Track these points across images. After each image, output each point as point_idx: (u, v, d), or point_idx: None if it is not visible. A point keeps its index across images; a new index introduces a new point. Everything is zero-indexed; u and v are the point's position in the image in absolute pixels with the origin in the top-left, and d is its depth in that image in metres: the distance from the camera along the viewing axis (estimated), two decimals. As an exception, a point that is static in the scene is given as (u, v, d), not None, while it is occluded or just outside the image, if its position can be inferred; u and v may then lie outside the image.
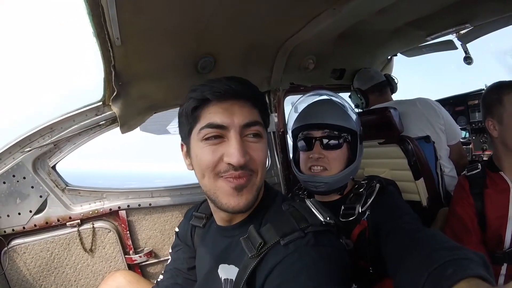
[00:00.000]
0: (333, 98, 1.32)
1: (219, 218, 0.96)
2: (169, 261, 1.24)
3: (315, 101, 1.34)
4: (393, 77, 2.45)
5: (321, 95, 1.37)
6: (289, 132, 1.41)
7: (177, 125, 0.95)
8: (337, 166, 1.25)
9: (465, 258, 0.67)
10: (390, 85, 2.38)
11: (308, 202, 0.88)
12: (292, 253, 0.72)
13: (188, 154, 0.91)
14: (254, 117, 0.84)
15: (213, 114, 0.81)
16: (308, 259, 0.71)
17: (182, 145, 0.95)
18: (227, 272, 0.89)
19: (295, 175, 1.37)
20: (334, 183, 1.24)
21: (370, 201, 1.16)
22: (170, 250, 1.26)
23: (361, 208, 1.16)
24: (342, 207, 1.22)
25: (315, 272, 0.69)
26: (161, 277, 1.22)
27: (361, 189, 1.22)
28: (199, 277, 1.06)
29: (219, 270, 0.92)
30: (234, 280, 0.82)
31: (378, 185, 1.20)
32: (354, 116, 1.30)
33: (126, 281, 1.40)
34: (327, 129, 1.24)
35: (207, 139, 0.81)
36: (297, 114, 1.36)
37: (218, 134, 0.81)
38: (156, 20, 1.17)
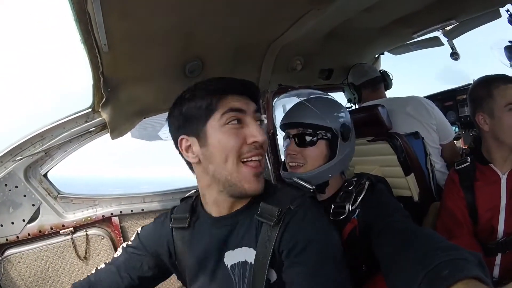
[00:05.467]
0: (312, 96, 1.35)
1: (220, 207, 1.01)
2: (118, 254, 1.15)
3: (297, 102, 1.36)
4: (389, 74, 2.44)
5: (306, 94, 1.40)
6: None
7: (176, 126, 1.01)
8: (312, 163, 1.26)
9: (461, 258, 0.67)
10: (384, 81, 2.37)
11: (295, 179, 1.22)
12: (300, 210, 0.91)
13: (201, 144, 0.96)
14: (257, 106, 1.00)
15: (232, 102, 0.94)
16: (312, 214, 0.92)
17: (182, 139, 0.99)
18: (236, 256, 0.97)
19: None
20: (309, 179, 1.25)
21: (359, 199, 1.15)
22: (124, 245, 1.18)
23: (351, 207, 1.15)
24: (332, 206, 1.21)
25: (321, 221, 0.93)
26: (102, 265, 1.14)
27: (351, 187, 1.22)
28: (196, 277, 1.04)
29: (225, 259, 0.99)
30: (254, 258, 0.92)
31: (367, 182, 1.19)
32: (339, 113, 1.30)
33: None
34: (300, 127, 1.28)
35: (229, 122, 0.92)
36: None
37: (239, 117, 0.94)
38: (142, 24, 1.17)
